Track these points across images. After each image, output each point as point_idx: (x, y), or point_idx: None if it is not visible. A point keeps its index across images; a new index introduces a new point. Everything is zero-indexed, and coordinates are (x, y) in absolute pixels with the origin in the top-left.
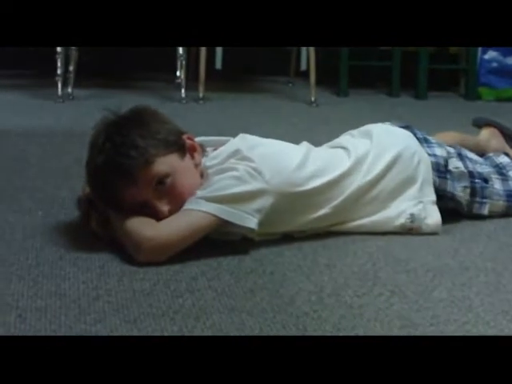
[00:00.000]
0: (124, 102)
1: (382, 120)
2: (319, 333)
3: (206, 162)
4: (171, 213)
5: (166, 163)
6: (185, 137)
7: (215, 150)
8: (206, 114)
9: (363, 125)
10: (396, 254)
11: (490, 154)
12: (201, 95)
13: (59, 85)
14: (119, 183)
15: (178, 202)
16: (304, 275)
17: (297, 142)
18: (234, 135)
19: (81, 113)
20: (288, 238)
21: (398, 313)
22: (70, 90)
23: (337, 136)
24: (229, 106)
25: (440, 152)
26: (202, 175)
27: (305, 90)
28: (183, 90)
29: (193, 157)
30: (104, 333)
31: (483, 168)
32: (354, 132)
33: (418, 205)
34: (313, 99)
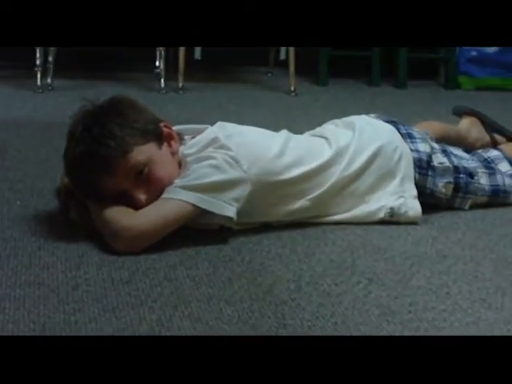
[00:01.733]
0: (103, 92)
1: (362, 110)
2: (297, 321)
3: (184, 150)
4: (149, 202)
5: (144, 152)
6: (162, 125)
7: (193, 138)
8: (185, 104)
9: (343, 115)
10: (375, 242)
11: (479, 151)
12: (180, 85)
13: (38, 75)
14: (97, 173)
15: (155, 190)
16: (282, 264)
17: (276, 131)
18: (211, 124)
19: (60, 103)
20: (267, 226)
21: (376, 301)
22: (49, 80)
23: (316, 125)
24: (208, 96)
25: (423, 147)
26: (179, 164)
27: (284, 79)
28: (162, 80)
29: (170, 145)
30: (83, 322)
31: (469, 163)
32: (338, 122)
33: (398, 199)
34: (292, 88)
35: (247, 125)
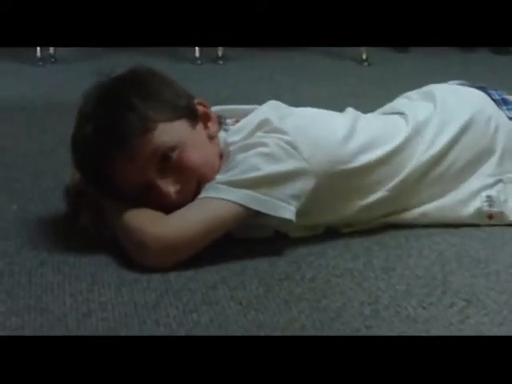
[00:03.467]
0: (120, 64)
1: (453, 80)
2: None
3: (228, 137)
4: (180, 197)
5: (172, 132)
6: (196, 101)
7: (237, 122)
8: (226, 77)
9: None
10: (472, 252)
11: None
12: (220, 54)
13: None
14: (113, 156)
15: (188, 182)
16: (354, 282)
17: (342, 110)
18: (260, 103)
19: (66, 79)
20: (333, 233)
21: (476, 328)
22: (51, 50)
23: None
24: (256, 66)
25: None
26: (221, 155)
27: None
28: (197, 48)
29: (206, 127)
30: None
31: None
32: (413, 94)
33: (496, 184)
34: (364, 56)
35: (305, 104)
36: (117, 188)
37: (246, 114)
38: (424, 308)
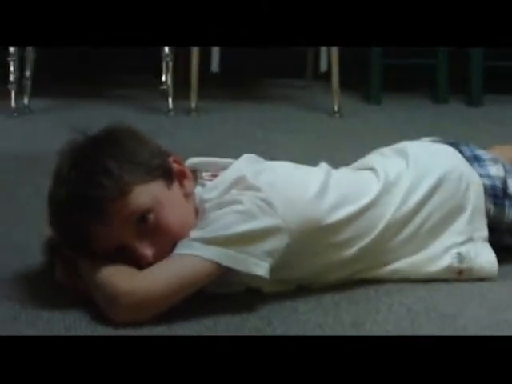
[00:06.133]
0: (93, 115)
1: (426, 134)
2: None
3: (204, 194)
4: (157, 258)
5: (148, 193)
6: (171, 160)
7: (213, 176)
8: (199, 129)
9: (401, 140)
10: (441, 307)
11: None
12: (193, 105)
13: (12, 94)
14: (88, 221)
15: (165, 243)
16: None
17: (316, 164)
18: (236, 157)
19: (40, 130)
20: (304, 289)
21: None
22: (26, 101)
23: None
24: (229, 118)
25: (495, 171)
26: (196, 211)
27: (326, 96)
28: (170, 100)
29: (182, 185)
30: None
31: None
32: (385, 150)
33: (467, 243)
34: (336, 108)
35: (279, 156)
36: (91, 249)
37: (221, 167)
38: None
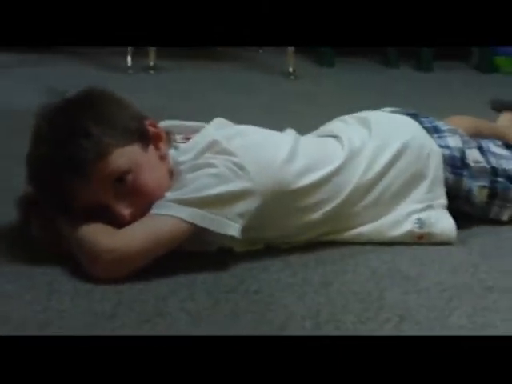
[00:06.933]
0: (54, 72)
1: (377, 97)
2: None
3: (177, 156)
4: (134, 217)
5: (126, 156)
6: (147, 123)
7: (186, 138)
8: (158, 88)
9: (353, 103)
10: (404, 269)
11: None
12: (151, 63)
13: None
14: (67, 181)
15: (141, 203)
16: (295, 295)
17: (271, 125)
18: (191, 115)
19: (6, 86)
20: (272, 249)
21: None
22: None
23: (321, 118)
24: (187, 78)
25: (454, 142)
26: (171, 173)
27: (280, 58)
28: (129, 58)
29: (158, 147)
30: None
31: (510, 164)
32: (348, 118)
33: (427, 209)
34: (291, 70)
35: (235, 116)
36: (70, 207)
37: (193, 130)
38: (362, 322)
